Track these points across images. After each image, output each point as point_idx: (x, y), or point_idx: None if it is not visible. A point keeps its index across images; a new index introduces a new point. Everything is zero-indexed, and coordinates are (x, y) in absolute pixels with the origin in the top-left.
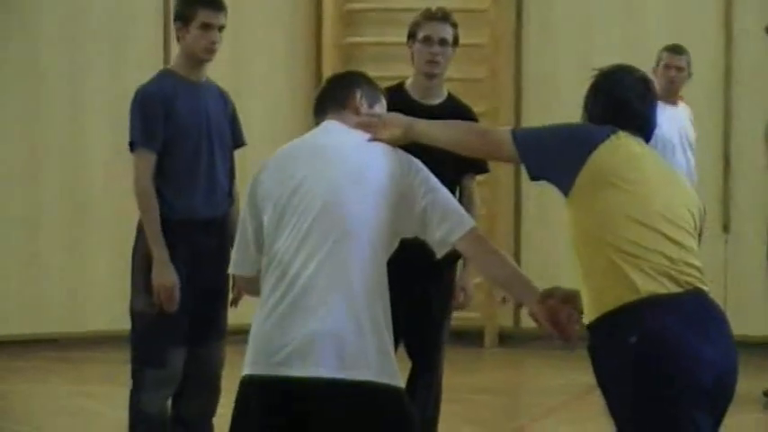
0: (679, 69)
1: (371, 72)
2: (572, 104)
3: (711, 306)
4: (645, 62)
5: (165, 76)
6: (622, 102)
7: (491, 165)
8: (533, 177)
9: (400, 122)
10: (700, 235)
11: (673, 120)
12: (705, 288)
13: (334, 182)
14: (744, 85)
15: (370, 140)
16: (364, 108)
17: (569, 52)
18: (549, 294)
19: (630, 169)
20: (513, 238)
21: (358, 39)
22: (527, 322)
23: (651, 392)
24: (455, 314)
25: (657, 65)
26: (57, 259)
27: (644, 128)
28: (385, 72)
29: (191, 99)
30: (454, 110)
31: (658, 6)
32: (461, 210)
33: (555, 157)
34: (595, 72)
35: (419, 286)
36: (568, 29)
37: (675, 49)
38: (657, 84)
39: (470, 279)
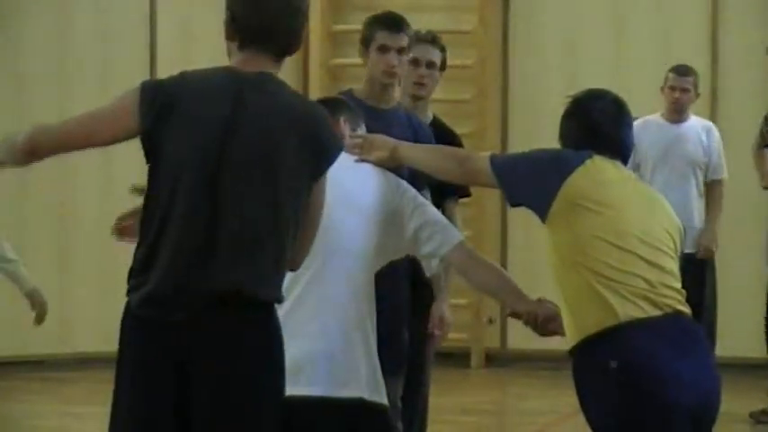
0: (683, 91)
1: None
2: (558, 125)
3: (691, 328)
4: (631, 82)
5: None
6: (595, 127)
7: (476, 188)
8: (512, 204)
9: (387, 144)
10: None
11: (673, 139)
12: (685, 310)
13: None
14: (730, 104)
15: (358, 161)
16: (347, 132)
17: (556, 73)
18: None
19: (606, 193)
20: (500, 259)
21: (345, 59)
22: (513, 343)
23: (634, 417)
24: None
25: (665, 84)
26: (43, 279)
27: (620, 150)
28: None
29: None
30: (438, 133)
31: (645, 27)
32: (449, 224)
33: (531, 183)
34: (569, 99)
35: (406, 307)
36: (555, 50)
37: (680, 71)
38: (664, 104)
39: (446, 305)
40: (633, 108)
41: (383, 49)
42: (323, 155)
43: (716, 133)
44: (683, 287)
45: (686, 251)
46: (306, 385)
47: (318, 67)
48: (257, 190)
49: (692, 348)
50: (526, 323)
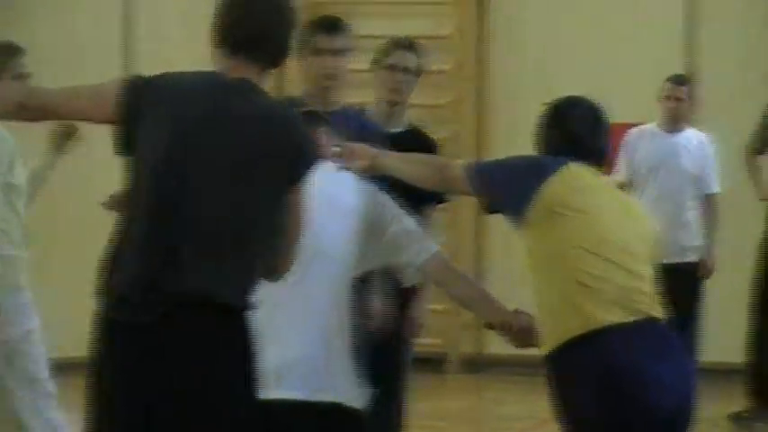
0: (678, 100)
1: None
2: (535, 131)
3: (666, 333)
4: (609, 87)
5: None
6: (573, 135)
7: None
8: (488, 211)
9: (368, 153)
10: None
11: (667, 149)
12: (659, 315)
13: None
14: (709, 110)
15: (340, 170)
16: (328, 141)
17: (533, 78)
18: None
19: (582, 200)
20: (475, 265)
21: None
22: (490, 348)
23: (614, 421)
24: (418, 340)
25: (661, 94)
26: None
27: (596, 158)
28: (352, 98)
29: None
30: (415, 139)
31: (623, 32)
32: (426, 234)
33: (508, 190)
34: (546, 106)
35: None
36: (532, 55)
37: (676, 80)
38: (660, 113)
39: (421, 308)
40: (611, 112)
41: (318, 51)
42: (299, 163)
43: (711, 147)
44: (676, 296)
45: (684, 260)
46: (284, 389)
47: (297, 73)
48: (225, 194)
49: (668, 352)
50: (501, 334)
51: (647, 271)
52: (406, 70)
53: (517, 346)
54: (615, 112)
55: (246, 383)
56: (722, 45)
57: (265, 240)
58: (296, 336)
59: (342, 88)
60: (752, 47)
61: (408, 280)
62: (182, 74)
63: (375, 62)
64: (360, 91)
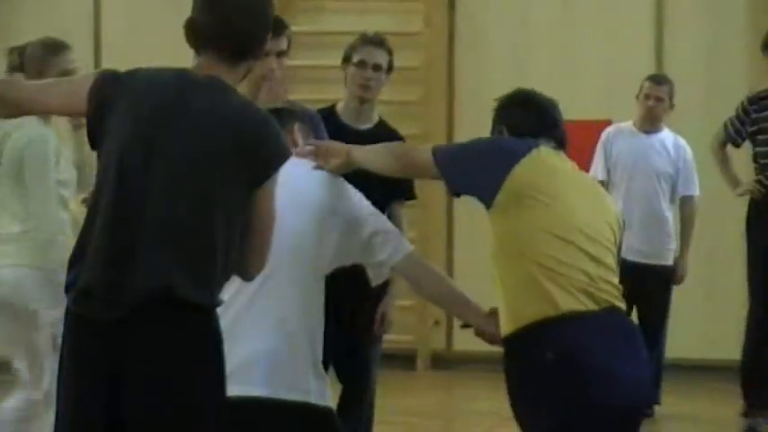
0: (658, 100)
1: (305, 95)
2: None
3: (627, 324)
4: (576, 84)
5: None
6: (545, 114)
7: (427, 188)
8: (455, 194)
9: (341, 151)
10: (619, 250)
11: (642, 149)
12: (621, 306)
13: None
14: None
15: (315, 168)
16: (300, 140)
17: (502, 74)
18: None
19: (551, 184)
20: (446, 259)
21: (291, 62)
22: (460, 345)
23: (566, 410)
24: (387, 336)
25: (640, 93)
26: None
27: (562, 140)
28: (319, 95)
29: None
30: (384, 135)
31: (591, 30)
32: (400, 234)
33: (476, 172)
34: (503, 96)
35: (348, 308)
36: (501, 51)
37: (656, 79)
38: (637, 112)
39: (391, 305)
40: (578, 109)
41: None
42: (265, 162)
43: (687, 149)
44: (645, 297)
45: (658, 263)
46: (249, 386)
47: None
48: (187, 191)
49: (627, 345)
50: (477, 334)
51: (612, 260)
52: (375, 67)
53: (490, 343)
54: (583, 110)
55: (212, 381)
56: (690, 59)
57: (230, 239)
58: (262, 333)
59: (284, 88)
60: (718, 47)
61: (380, 278)
62: (153, 70)
63: (345, 59)
64: (330, 88)
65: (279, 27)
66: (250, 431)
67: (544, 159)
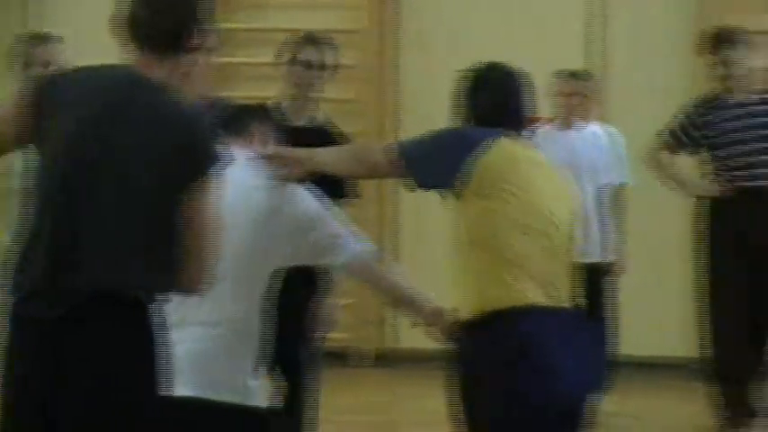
0: (568, 95)
1: (247, 91)
2: (447, 118)
3: (584, 321)
4: None
5: None
6: (504, 101)
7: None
8: (422, 188)
9: (298, 157)
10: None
11: (567, 150)
12: (576, 303)
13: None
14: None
15: (274, 175)
16: (259, 143)
17: (446, 70)
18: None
19: (516, 174)
20: (393, 255)
21: (233, 58)
22: (404, 342)
23: (516, 400)
24: (331, 335)
25: (554, 90)
26: None
27: (521, 124)
28: (259, 92)
29: None
30: (326, 132)
31: (531, 23)
32: (349, 234)
33: (440, 163)
34: (465, 73)
35: (292, 307)
36: (445, 47)
37: (565, 75)
38: (557, 111)
39: (334, 304)
40: None
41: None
42: (195, 165)
43: (618, 137)
44: (585, 296)
45: (588, 260)
46: (180, 385)
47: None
48: (126, 189)
49: (582, 341)
50: (426, 333)
51: (572, 256)
52: (317, 65)
53: (439, 341)
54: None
55: (149, 377)
56: (626, 59)
57: (169, 238)
58: (199, 333)
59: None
60: (648, 44)
61: (334, 277)
62: (91, 69)
63: (287, 57)
64: (271, 85)
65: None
66: (176, 430)
67: (508, 149)
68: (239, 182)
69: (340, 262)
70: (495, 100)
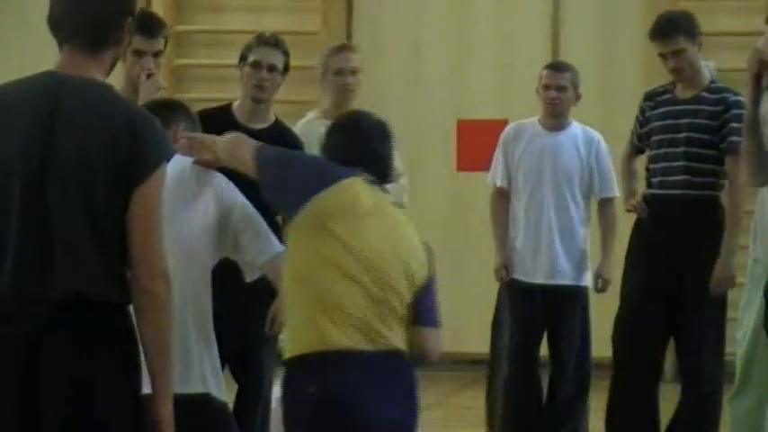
0: (559, 89)
1: (202, 93)
2: (401, 122)
3: (402, 366)
4: (473, 85)
5: None
6: (366, 143)
7: None
8: (266, 200)
9: (210, 145)
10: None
11: (548, 149)
12: (401, 348)
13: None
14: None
15: (194, 163)
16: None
17: (399, 75)
18: None
19: (350, 217)
20: None
21: (188, 60)
22: None
23: None
24: (282, 336)
25: (539, 84)
26: None
27: (384, 170)
28: (216, 94)
29: None
30: (279, 135)
31: (487, 30)
32: (271, 234)
33: (288, 184)
34: (349, 114)
35: (241, 308)
36: (397, 51)
37: (555, 66)
38: (541, 107)
39: (280, 304)
40: (471, 110)
41: (139, 53)
42: (141, 163)
43: (601, 145)
44: (559, 322)
45: (569, 283)
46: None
47: (162, 67)
48: (77, 194)
49: (398, 386)
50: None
51: (399, 302)
52: (270, 68)
53: None
54: (480, 109)
55: (133, 378)
56: (586, 42)
57: (121, 238)
58: None
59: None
60: (615, 44)
61: (251, 276)
62: (19, 81)
63: (242, 59)
64: (228, 86)
65: (155, 27)
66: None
67: (354, 192)
68: (174, 177)
69: (256, 260)
70: (356, 141)
